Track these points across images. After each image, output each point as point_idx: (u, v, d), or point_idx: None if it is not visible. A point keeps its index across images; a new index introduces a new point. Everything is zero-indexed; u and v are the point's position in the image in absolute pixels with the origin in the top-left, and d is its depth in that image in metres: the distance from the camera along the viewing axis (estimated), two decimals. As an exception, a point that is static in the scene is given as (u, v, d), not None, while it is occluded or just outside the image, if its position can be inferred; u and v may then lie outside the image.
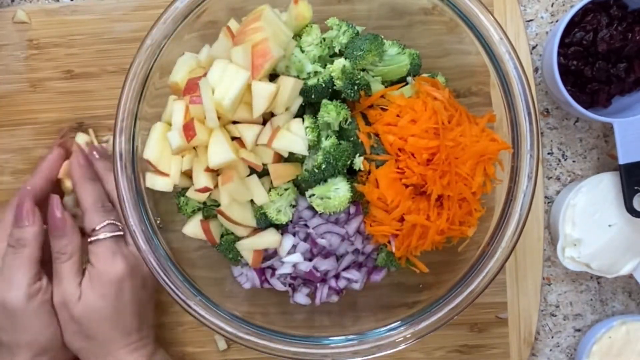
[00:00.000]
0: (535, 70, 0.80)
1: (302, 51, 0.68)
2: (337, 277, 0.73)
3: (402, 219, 0.67)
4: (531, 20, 0.81)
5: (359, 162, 0.68)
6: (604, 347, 0.76)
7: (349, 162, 0.68)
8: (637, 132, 0.72)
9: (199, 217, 0.71)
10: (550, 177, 0.81)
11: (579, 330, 0.82)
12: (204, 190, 0.65)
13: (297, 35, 0.69)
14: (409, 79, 0.71)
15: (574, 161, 0.81)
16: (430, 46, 0.77)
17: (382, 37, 0.69)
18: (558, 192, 0.81)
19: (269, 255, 0.72)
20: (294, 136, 0.66)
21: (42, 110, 0.79)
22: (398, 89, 0.70)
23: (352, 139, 0.68)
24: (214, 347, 0.81)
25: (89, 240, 0.71)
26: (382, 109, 0.69)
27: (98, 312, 0.69)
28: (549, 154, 0.81)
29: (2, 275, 0.70)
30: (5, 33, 0.79)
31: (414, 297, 0.71)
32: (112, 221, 0.71)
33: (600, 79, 0.75)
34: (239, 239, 0.70)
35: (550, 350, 0.82)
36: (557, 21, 0.80)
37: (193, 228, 0.70)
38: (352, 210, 0.70)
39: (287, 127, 0.66)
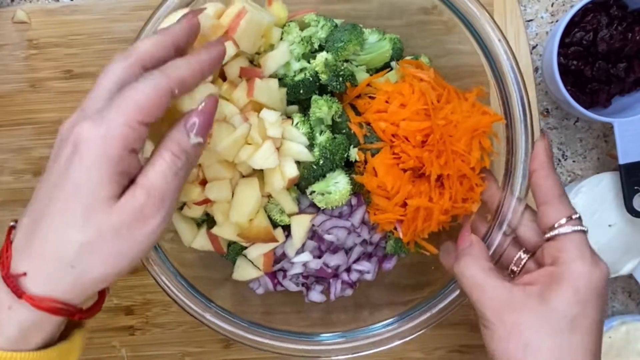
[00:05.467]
0: (535, 70, 0.80)
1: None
2: (348, 270, 0.73)
3: (404, 204, 0.66)
4: (531, 20, 0.81)
5: (353, 153, 0.68)
6: (603, 347, 0.76)
7: (345, 155, 0.68)
8: (637, 132, 0.72)
9: (204, 229, 0.70)
10: (550, 177, 0.81)
11: (578, 330, 0.82)
12: (203, 202, 0.65)
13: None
14: (393, 63, 0.71)
15: (574, 161, 0.81)
16: (430, 46, 0.77)
17: (361, 25, 0.69)
18: (558, 192, 0.81)
19: (278, 257, 0.71)
20: (298, 146, 0.66)
21: (42, 110, 0.79)
22: (383, 75, 0.69)
23: (344, 131, 0.68)
24: (214, 347, 0.81)
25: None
26: (370, 97, 0.68)
27: None
28: (549, 154, 0.81)
29: (150, 188, 0.48)
30: (5, 33, 0.79)
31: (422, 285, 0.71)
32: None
33: (600, 78, 0.75)
34: (246, 246, 0.70)
35: (550, 350, 0.82)
36: (557, 21, 0.80)
37: (201, 242, 0.70)
38: (354, 202, 0.70)
39: (284, 134, 0.66)
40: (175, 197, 0.50)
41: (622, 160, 0.73)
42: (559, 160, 0.81)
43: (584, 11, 0.73)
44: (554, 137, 0.81)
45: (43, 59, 0.79)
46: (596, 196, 0.76)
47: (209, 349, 0.81)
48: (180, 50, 0.53)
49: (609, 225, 0.76)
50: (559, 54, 0.72)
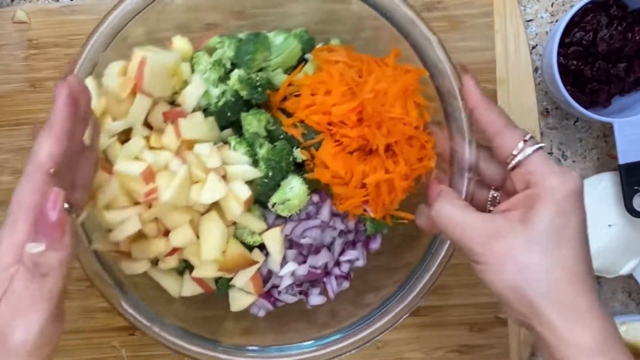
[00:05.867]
0: (535, 70, 0.80)
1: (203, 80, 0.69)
2: (338, 264, 0.73)
3: (364, 185, 0.67)
4: (531, 20, 0.81)
5: (297, 153, 0.68)
6: (603, 347, 0.76)
7: (291, 159, 0.68)
8: (637, 132, 0.72)
9: (187, 275, 0.70)
10: (550, 177, 0.81)
11: (578, 330, 0.82)
12: (172, 252, 0.66)
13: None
14: (307, 56, 0.71)
15: (573, 161, 0.81)
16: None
17: (264, 31, 0.70)
18: (558, 192, 0.81)
19: (265, 277, 0.72)
20: (241, 167, 0.66)
21: (42, 110, 0.79)
22: (300, 70, 0.70)
23: (281, 137, 0.68)
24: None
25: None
26: (296, 95, 0.68)
27: None
28: (549, 153, 0.81)
29: (7, 302, 0.48)
30: (5, 33, 0.79)
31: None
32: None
33: (600, 78, 0.75)
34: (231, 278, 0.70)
35: (550, 350, 0.82)
36: (557, 21, 0.80)
37: (189, 288, 0.70)
38: (316, 199, 0.70)
39: (225, 160, 0.66)
40: (39, 308, 0.48)
41: (622, 160, 0.73)
42: (559, 160, 0.81)
43: (583, 11, 0.73)
44: (553, 137, 0.81)
45: (43, 59, 0.79)
46: (596, 196, 0.76)
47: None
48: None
49: (609, 225, 0.76)
50: (558, 54, 0.72)
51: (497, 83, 0.78)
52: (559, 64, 0.72)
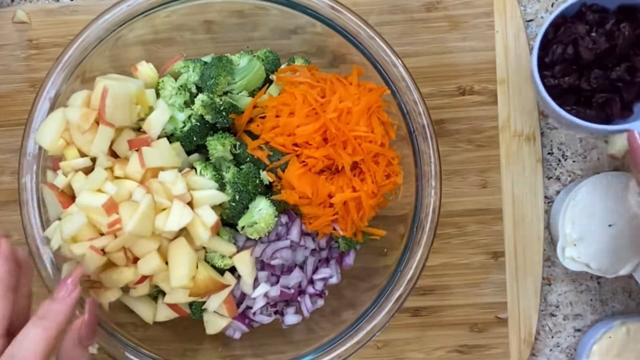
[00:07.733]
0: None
1: (168, 105, 0.68)
2: (312, 282, 0.73)
3: (332, 204, 0.67)
4: (531, 20, 0.81)
5: (264, 176, 0.68)
6: (604, 347, 0.76)
7: (258, 181, 0.68)
8: None
9: (161, 300, 0.70)
10: (550, 177, 0.81)
11: (579, 330, 0.82)
12: (142, 280, 0.66)
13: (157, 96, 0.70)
14: (272, 76, 0.71)
15: (574, 161, 0.81)
16: (432, 42, 0.77)
17: (228, 54, 0.69)
18: (558, 192, 0.81)
19: (239, 299, 0.72)
20: (208, 192, 0.66)
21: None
22: (265, 92, 0.69)
23: (248, 159, 0.68)
24: (213, 344, 0.81)
25: None
26: (261, 117, 0.68)
27: None
28: (549, 154, 0.81)
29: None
30: (5, 33, 0.79)
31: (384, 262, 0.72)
32: None
33: (603, 88, 0.70)
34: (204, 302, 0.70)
35: (550, 350, 0.82)
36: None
37: (164, 312, 0.70)
38: (285, 220, 0.70)
39: (191, 186, 0.66)
40: None
41: None
42: (559, 160, 0.81)
43: (554, 27, 0.69)
44: (554, 137, 0.81)
45: (43, 59, 0.79)
46: (596, 196, 0.76)
47: (207, 346, 0.81)
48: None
49: (609, 226, 0.76)
50: (547, 76, 0.69)
51: (497, 83, 0.78)
52: (551, 86, 0.69)
